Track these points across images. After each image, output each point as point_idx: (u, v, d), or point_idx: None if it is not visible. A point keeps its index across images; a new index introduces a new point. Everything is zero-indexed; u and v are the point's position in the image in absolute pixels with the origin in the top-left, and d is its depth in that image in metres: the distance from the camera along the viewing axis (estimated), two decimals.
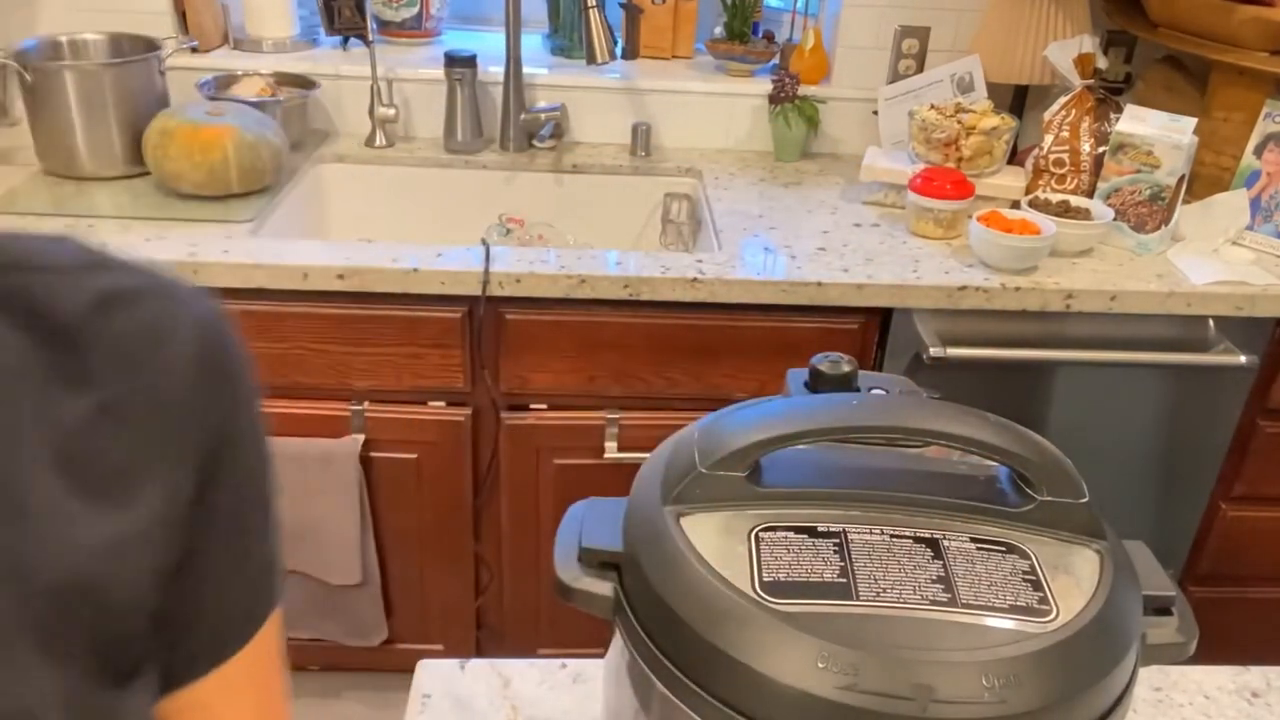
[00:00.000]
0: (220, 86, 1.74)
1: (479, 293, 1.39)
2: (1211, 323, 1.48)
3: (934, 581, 0.44)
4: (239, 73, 1.77)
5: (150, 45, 1.65)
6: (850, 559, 0.45)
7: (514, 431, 1.52)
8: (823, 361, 0.55)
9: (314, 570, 1.55)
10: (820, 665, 0.41)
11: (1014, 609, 0.43)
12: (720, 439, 0.48)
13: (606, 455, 1.52)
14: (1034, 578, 0.45)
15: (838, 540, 0.46)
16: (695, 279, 1.40)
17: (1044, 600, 0.44)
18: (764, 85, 1.84)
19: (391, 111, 1.78)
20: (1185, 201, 1.57)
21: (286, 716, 0.49)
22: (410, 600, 1.65)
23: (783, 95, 1.80)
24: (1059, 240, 1.46)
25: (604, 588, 0.49)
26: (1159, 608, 0.48)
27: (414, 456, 1.53)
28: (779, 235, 1.56)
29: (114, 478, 0.36)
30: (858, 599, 0.43)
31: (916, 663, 0.40)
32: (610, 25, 1.64)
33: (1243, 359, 1.45)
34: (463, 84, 1.77)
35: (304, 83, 1.79)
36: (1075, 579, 0.45)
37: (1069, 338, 1.47)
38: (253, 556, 0.43)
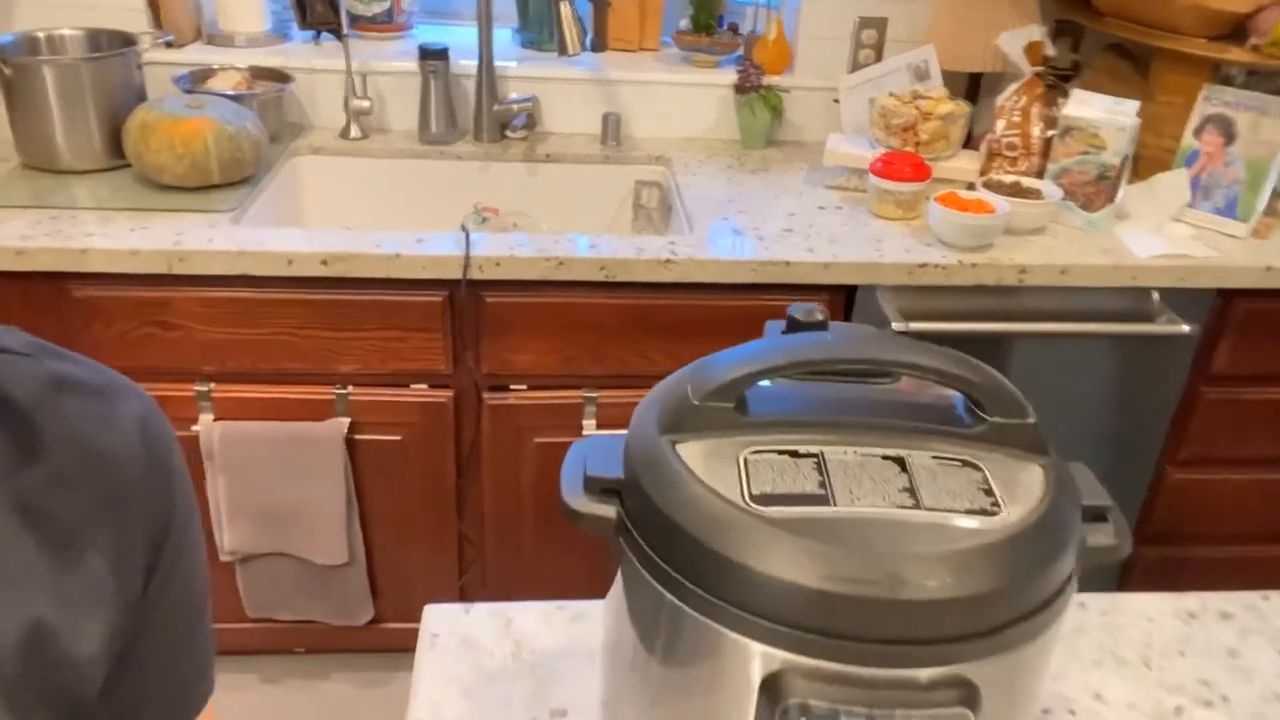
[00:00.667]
0: (196, 80, 1.76)
1: (460, 276, 1.44)
2: (1156, 294, 1.57)
3: (900, 491, 0.50)
4: (215, 67, 1.80)
5: (127, 40, 1.68)
6: (828, 474, 0.51)
7: (495, 412, 1.57)
8: (799, 311, 0.61)
9: (301, 551, 1.59)
10: (805, 560, 0.46)
11: (969, 511, 0.49)
12: (710, 374, 0.54)
13: (585, 433, 1.58)
14: (986, 486, 0.51)
15: (816, 460, 0.52)
16: (668, 260, 1.46)
17: (995, 504, 0.50)
18: (729, 76, 1.91)
19: (366, 104, 1.82)
20: (1130, 181, 1.65)
21: None
22: (396, 579, 1.70)
23: (748, 85, 1.87)
24: (1012, 219, 1.54)
25: (608, 511, 0.54)
26: (1096, 515, 0.55)
27: (398, 438, 1.57)
28: (747, 218, 1.62)
29: (66, 539, 0.40)
30: (835, 505, 0.49)
31: (886, 555, 0.47)
32: (580, 18, 1.70)
33: (1185, 328, 1.54)
34: (436, 76, 1.81)
35: (279, 76, 1.82)
36: (1022, 487, 0.52)
37: (1024, 311, 1.55)
38: (198, 641, 0.46)
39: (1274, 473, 1.73)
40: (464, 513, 1.67)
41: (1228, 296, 1.57)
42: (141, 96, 1.65)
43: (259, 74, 1.82)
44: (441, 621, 0.77)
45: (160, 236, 1.41)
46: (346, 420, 1.53)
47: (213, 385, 1.50)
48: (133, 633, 0.43)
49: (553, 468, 1.57)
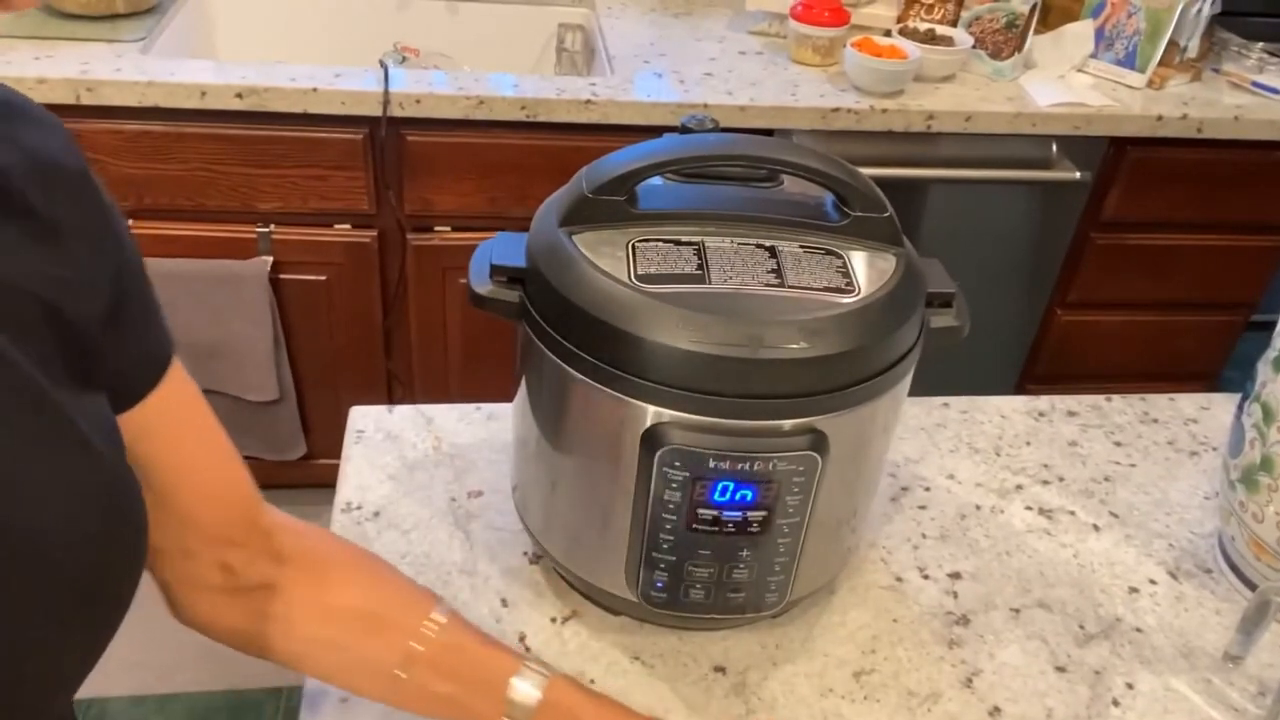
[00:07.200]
0: None
1: (379, 113, 1.43)
2: (1054, 144, 1.65)
3: (768, 272, 0.57)
4: None
5: None
6: (706, 259, 0.57)
7: (420, 252, 1.60)
8: (691, 120, 0.66)
9: (231, 388, 1.63)
10: (680, 327, 0.53)
11: (827, 289, 0.56)
12: (603, 170, 0.59)
13: None
14: (844, 270, 0.58)
15: (697, 247, 0.58)
16: (589, 100, 1.48)
17: (850, 284, 0.57)
18: None
19: None
20: (1038, 31, 1.70)
21: (221, 434, 0.57)
22: (326, 417, 1.75)
23: None
24: (923, 65, 1.58)
25: (511, 295, 0.60)
26: (943, 302, 0.62)
27: (323, 278, 1.60)
28: (669, 62, 1.63)
29: (50, 229, 0.45)
30: (710, 284, 0.56)
31: (750, 322, 0.53)
32: None
33: (1078, 175, 1.63)
34: None
35: None
36: (876, 272, 0.59)
37: (932, 158, 1.62)
38: (154, 309, 0.53)
39: (1149, 314, 1.87)
40: (392, 353, 1.71)
41: (1120, 145, 1.65)
42: None
43: None
44: (366, 420, 0.84)
45: (65, 66, 1.38)
46: (269, 259, 1.54)
47: (131, 221, 1.49)
48: (114, 305, 0.49)
49: (478, 309, 1.62)
